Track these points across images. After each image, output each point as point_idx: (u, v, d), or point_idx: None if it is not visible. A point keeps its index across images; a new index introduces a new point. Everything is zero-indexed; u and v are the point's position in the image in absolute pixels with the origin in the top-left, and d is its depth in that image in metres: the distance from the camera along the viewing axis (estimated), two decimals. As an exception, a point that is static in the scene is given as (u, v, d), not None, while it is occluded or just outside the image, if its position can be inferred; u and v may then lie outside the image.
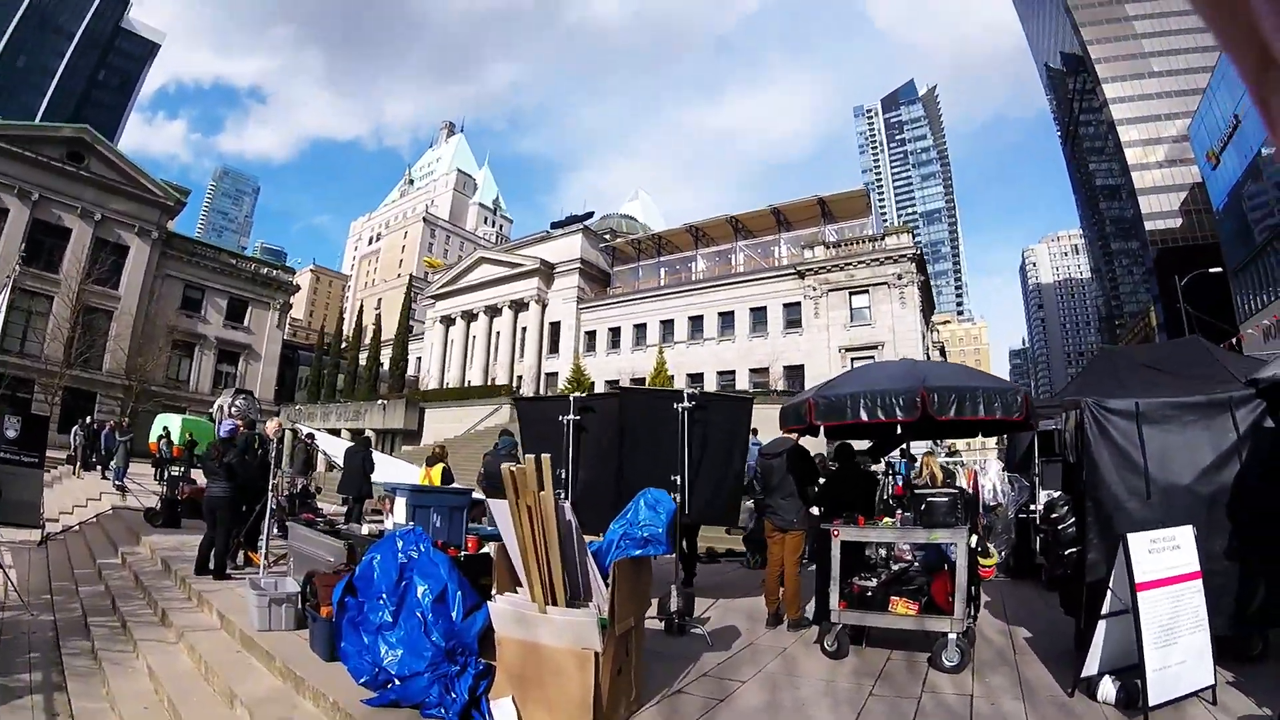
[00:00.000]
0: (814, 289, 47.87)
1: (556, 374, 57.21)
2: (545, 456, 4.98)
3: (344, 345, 71.28)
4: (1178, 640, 5.34)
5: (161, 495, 15.37)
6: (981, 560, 7.48)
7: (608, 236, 68.11)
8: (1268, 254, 51.14)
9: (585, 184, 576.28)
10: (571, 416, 8.77)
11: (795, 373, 45.79)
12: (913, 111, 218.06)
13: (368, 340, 70.58)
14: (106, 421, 27.96)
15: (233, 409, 16.58)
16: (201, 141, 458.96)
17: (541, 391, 52.99)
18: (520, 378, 57.49)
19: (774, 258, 55.19)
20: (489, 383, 58.92)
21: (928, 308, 52.39)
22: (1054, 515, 6.94)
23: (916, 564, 7.43)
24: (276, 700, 5.59)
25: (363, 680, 5.42)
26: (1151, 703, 5.07)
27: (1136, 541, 5.43)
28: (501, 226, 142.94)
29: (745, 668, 6.45)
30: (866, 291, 46.16)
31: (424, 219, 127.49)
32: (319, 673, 5.80)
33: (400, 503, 7.59)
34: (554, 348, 60.13)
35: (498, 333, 63.09)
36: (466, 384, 60.87)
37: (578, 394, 9.88)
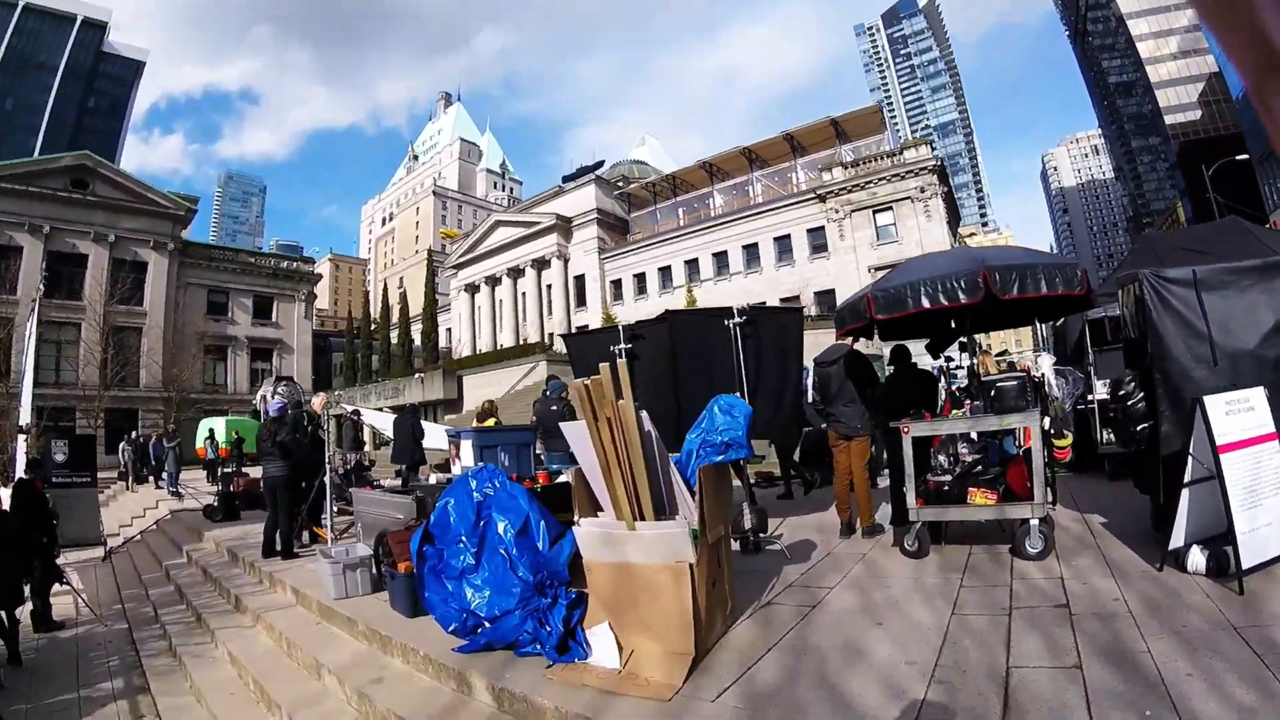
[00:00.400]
0: (837, 211, 47.50)
1: (587, 326, 56.37)
2: (620, 361, 4.65)
3: (373, 327, 71.42)
4: (1262, 502, 5.20)
5: (217, 492, 15.29)
6: (1056, 442, 7.31)
7: (620, 184, 67.55)
8: None
9: (590, 139, 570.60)
10: (623, 345, 8.40)
11: (826, 297, 45.30)
12: (915, 24, 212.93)
13: (395, 319, 70.57)
14: (152, 433, 28.11)
15: (275, 396, 16.37)
16: (201, 151, 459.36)
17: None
18: (551, 334, 57.02)
19: (792, 184, 54.42)
20: (520, 343, 58.84)
21: (953, 219, 51.75)
22: (1122, 393, 6.81)
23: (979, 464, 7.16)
24: (363, 663, 5.44)
25: (452, 628, 5.20)
26: (1245, 566, 4.89)
27: (1213, 404, 5.26)
28: (512, 189, 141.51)
29: (830, 575, 6.28)
30: (890, 208, 45.87)
31: (434, 192, 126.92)
32: (404, 629, 5.60)
33: (466, 445, 7.27)
34: (581, 301, 60.16)
35: (523, 293, 63.06)
36: (499, 348, 60.63)
37: (626, 323, 9.51)
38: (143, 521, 17.99)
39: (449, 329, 71.66)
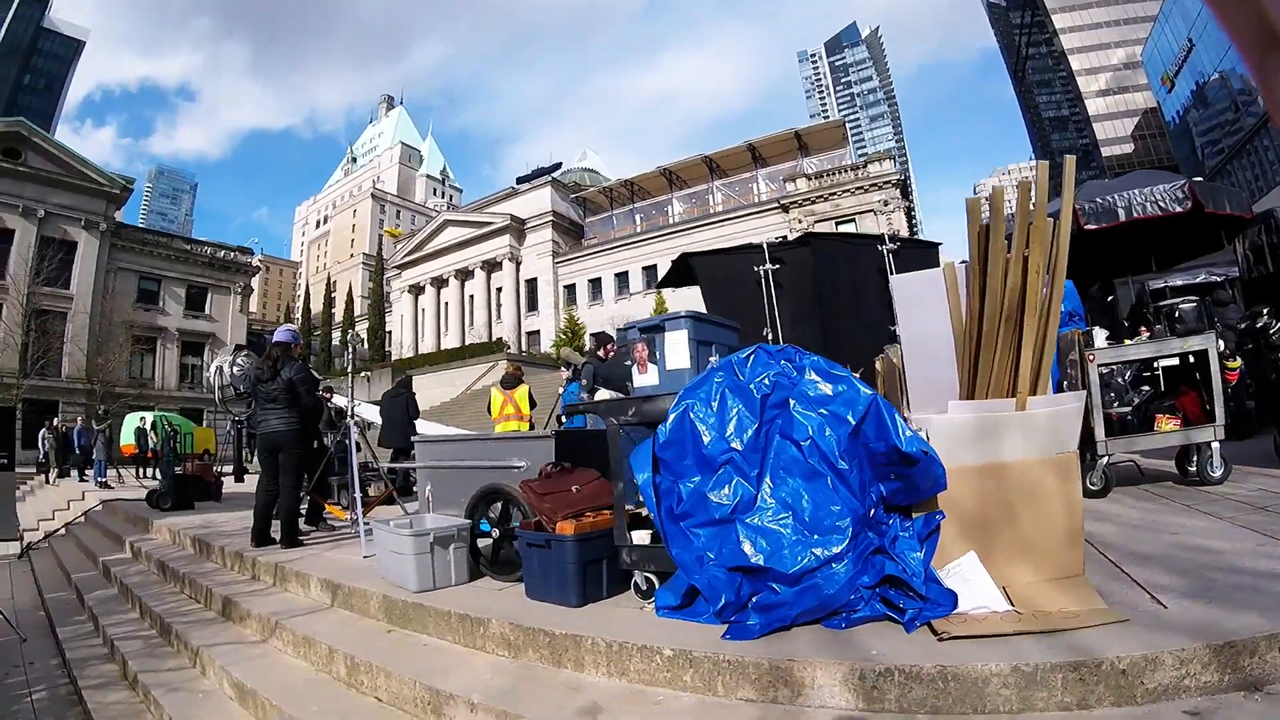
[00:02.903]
0: (799, 221, 47.35)
1: (538, 331, 56.01)
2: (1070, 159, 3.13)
3: (312, 326, 68.87)
4: None
5: (163, 478, 12.76)
6: (1226, 364, 7.26)
7: (574, 189, 66.44)
8: (1222, 175, 52.31)
9: (528, 153, 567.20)
10: (768, 266, 7.32)
11: None
12: (857, 54, 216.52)
13: (339, 318, 68.34)
14: (76, 420, 25.38)
15: (235, 368, 13.96)
16: (133, 146, 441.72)
17: (524, 351, 51.24)
18: (500, 339, 54.96)
19: (753, 194, 54.58)
20: (464, 346, 56.95)
21: (913, 232, 53.11)
22: (1260, 324, 7.21)
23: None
24: (534, 688, 3.29)
25: (720, 605, 3.30)
26: None
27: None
28: (451, 197, 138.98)
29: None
30: (853, 220, 46.05)
31: (372, 195, 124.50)
32: (588, 623, 3.60)
33: (678, 338, 4.93)
34: (532, 305, 58.90)
35: (471, 296, 61.19)
36: (439, 351, 58.59)
37: (770, 240, 8.32)
38: (68, 514, 15.09)
39: (390, 331, 69.10)
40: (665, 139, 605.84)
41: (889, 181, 46.64)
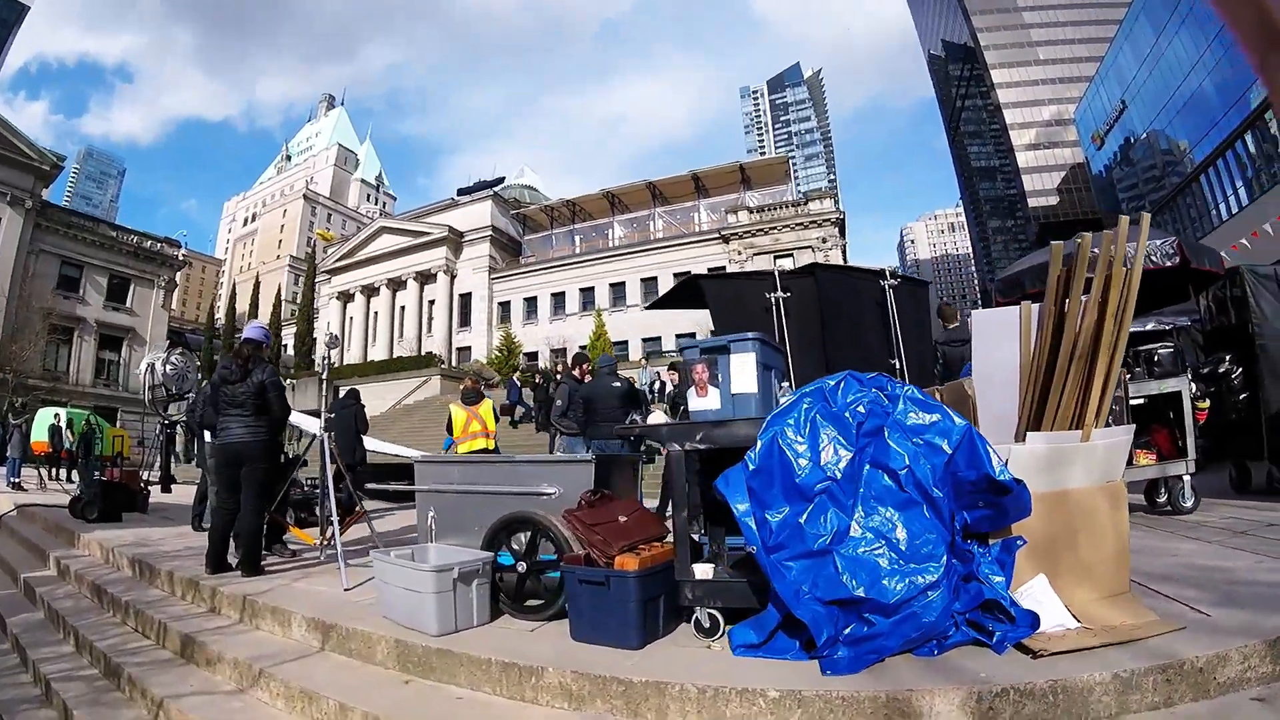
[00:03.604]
0: (739, 253, 48.51)
1: (469, 347, 55.39)
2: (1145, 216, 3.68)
3: (237, 326, 66.65)
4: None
5: (83, 484, 11.81)
6: (1197, 404, 7.59)
7: (514, 205, 65.59)
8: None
9: (467, 166, 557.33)
10: (779, 294, 7.15)
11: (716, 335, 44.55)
12: (798, 94, 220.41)
13: (267, 320, 66.10)
14: (-12, 412, 24.00)
15: (168, 367, 13.25)
16: (64, 124, 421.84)
17: (452, 364, 50.39)
18: (431, 353, 53.96)
19: (694, 223, 54.98)
20: (391, 358, 55.69)
21: None
22: (1222, 370, 7.95)
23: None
24: None
25: (823, 640, 3.17)
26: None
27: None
28: (385, 204, 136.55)
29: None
30: (791, 255, 46.75)
31: (304, 196, 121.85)
32: (660, 666, 3.36)
33: (745, 361, 4.48)
34: (465, 320, 57.86)
35: (402, 307, 59.87)
36: (367, 361, 57.15)
37: (779, 269, 8.17)
38: None
39: (316, 338, 67.36)
40: (605, 163, 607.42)
41: (828, 220, 47.49)
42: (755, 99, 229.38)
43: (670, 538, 4.12)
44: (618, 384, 9.29)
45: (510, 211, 61.74)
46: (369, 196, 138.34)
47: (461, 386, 10.92)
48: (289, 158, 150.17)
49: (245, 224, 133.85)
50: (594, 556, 3.94)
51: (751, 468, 3.57)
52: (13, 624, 6.39)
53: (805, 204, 49.46)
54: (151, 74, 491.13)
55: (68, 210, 48.12)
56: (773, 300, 7.38)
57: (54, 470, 20.46)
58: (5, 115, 39.90)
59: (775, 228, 48.03)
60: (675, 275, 49.39)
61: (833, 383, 3.72)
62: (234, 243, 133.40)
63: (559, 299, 55.26)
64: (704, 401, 4.40)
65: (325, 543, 6.58)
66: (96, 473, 11.41)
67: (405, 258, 59.82)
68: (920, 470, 3.42)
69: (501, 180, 71.06)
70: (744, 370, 4.38)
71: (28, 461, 19.30)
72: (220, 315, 69.53)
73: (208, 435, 8.75)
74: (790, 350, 7.12)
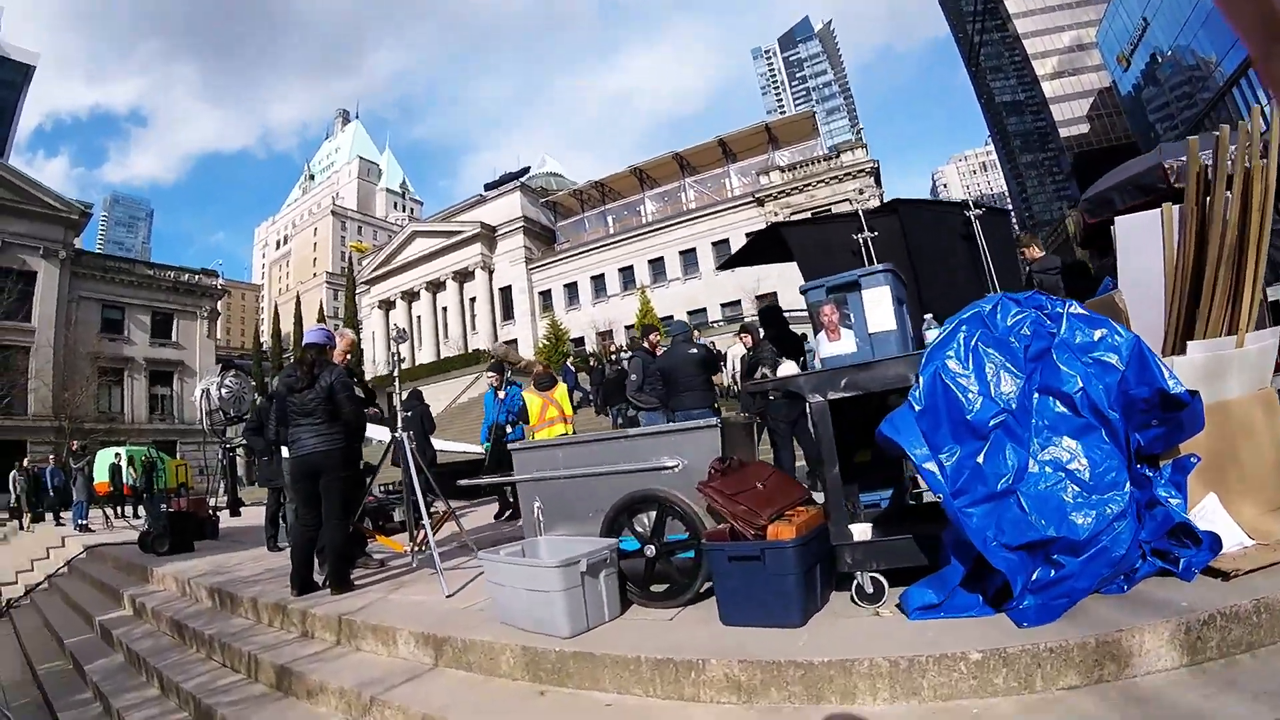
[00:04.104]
0: (776, 214, 46.86)
1: (515, 340, 54.91)
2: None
3: (284, 349, 67.16)
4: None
5: (152, 517, 11.39)
6: None
7: (542, 193, 65.02)
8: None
9: (487, 162, 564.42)
10: (866, 235, 6.58)
11: (768, 300, 43.55)
12: (810, 48, 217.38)
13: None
14: (47, 459, 23.85)
15: (223, 390, 12.91)
16: (86, 175, 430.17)
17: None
18: (478, 350, 53.80)
19: (726, 189, 53.99)
20: (439, 360, 56.04)
21: None
22: None
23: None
24: None
25: (1019, 589, 2.96)
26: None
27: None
28: (412, 210, 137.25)
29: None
30: (829, 210, 44.56)
31: (332, 212, 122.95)
32: (835, 642, 3.04)
33: (878, 295, 3.96)
34: (508, 314, 57.77)
35: (444, 308, 60.02)
36: (416, 365, 56.96)
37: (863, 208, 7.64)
38: (47, 565, 13.57)
39: (363, 350, 67.55)
40: (623, 142, 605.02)
41: (863, 170, 46.27)
42: (769, 58, 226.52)
43: (813, 499, 3.86)
44: (694, 350, 8.80)
45: (540, 200, 61.29)
46: (396, 204, 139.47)
47: (533, 373, 10.53)
48: (312, 177, 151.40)
49: (278, 247, 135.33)
50: (739, 529, 3.49)
51: (918, 408, 3.24)
52: (92, 671, 6.04)
53: (837, 157, 48.19)
54: (163, 115, 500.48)
55: (101, 255, 48.66)
56: (860, 241, 6.87)
57: (119, 509, 20.28)
58: (26, 173, 40.17)
59: (809, 184, 47.02)
60: (713, 245, 49.40)
61: (989, 306, 3.41)
62: (269, 266, 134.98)
63: (599, 281, 54.89)
64: (837, 345, 3.97)
65: (416, 548, 6.04)
66: (162, 505, 10.96)
67: (441, 259, 59.74)
68: (1094, 391, 3.16)
69: (527, 170, 70.65)
70: (879, 306, 3.94)
71: (93, 504, 19.10)
72: (266, 337, 69.77)
73: (285, 451, 8.33)
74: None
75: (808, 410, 4.20)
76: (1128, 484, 3.05)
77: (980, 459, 3.15)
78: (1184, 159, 6.79)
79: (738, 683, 2.93)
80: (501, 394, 10.05)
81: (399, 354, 6.26)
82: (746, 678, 2.91)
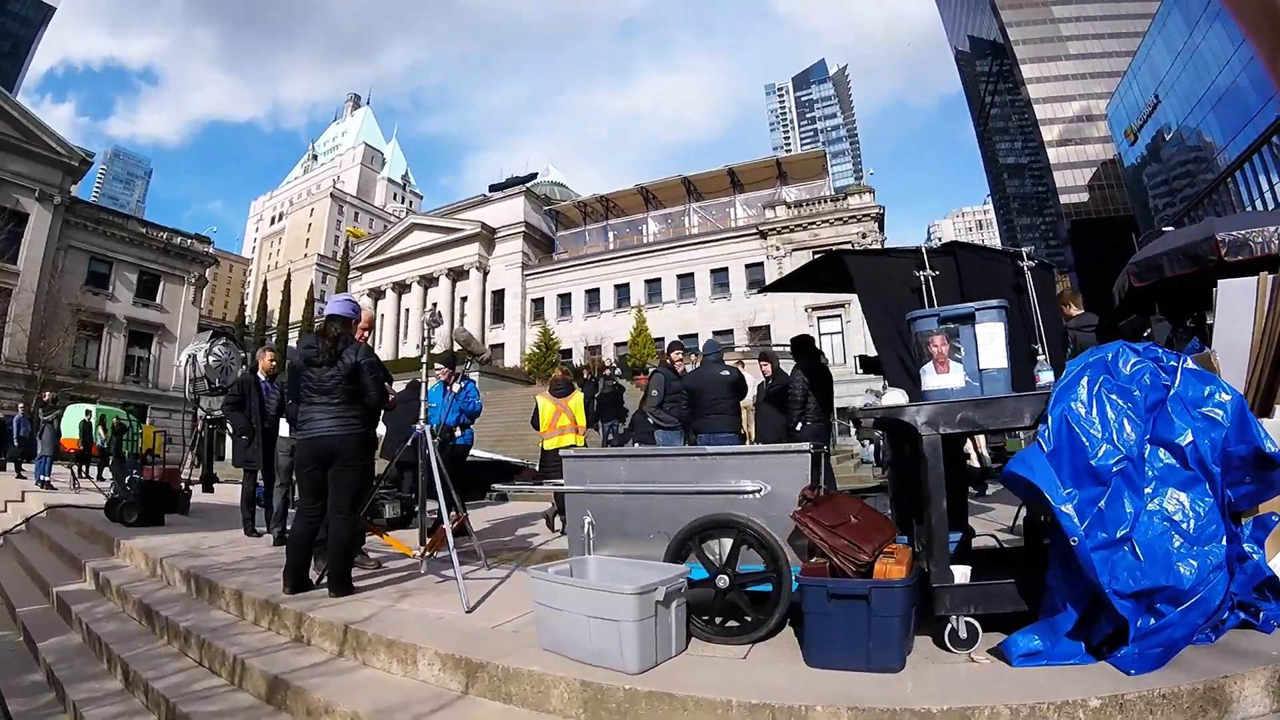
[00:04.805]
0: (777, 249, 47.56)
1: (502, 345, 54.46)
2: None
3: (267, 324, 66.32)
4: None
5: (122, 482, 10.31)
6: None
7: (545, 201, 64.37)
8: (1183, 223, 54.38)
9: (489, 164, 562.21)
10: (929, 273, 6.17)
11: (761, 333, 44.95)
12: (823, 90, 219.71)
13: (295, 318, 65.84)
14: (16, 407, 23.05)
15: (210, 358, 12.28)
16: (90, 126, 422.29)
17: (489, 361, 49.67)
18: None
19: (729, 219, 54.11)
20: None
21: None
22: None
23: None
24: None
25: (1134, 635, 2.99)
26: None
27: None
28: (411, 203, 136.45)
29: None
30: (831, 249, 44.18)
31: (331, 195, 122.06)
32: (940, 687, 2.98)
33: (992, 331, 3.65)
34: (498, 317, 57.23)
35: (434, 304, 58.75)
36: (398, 359, 55.97)
37: (923, 244, 7.35)
38: (4, 519, 12.51)
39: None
40: (628, 160, 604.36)
41: (868, 215, 46.29)
42: (780, 96, 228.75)
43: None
44: (726, 372, 8.55)
45: (542, 208, 60.90)
46: (395, 195, 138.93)
47: (551, 377, 10.06)
48: (315, 157, 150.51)
49: (272, 223, 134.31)
50: (839, 564, 3.31)
51: (1047, 449, 3.25)
52: (45, 649, 5.34)
53: (844, 199, 48.24)
54: (176, 76, 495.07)
55: (97, 206, 47.62)
56: (922, 279, 6.37)
57: (84, 468, 19.50)
58: (33, 113, 39.40)
59: (814, 223, 46.97)
60: (712, 271, 49.60)
61: (1110, 354, 3.45)
62: (260, 241, 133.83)
63: (593, 295, 54.56)
64: (945, 379, 3.84)
65: (428, 553, 5.50)
66: (134, 472, 10.25)
67: (437, 254, 59.20)
68: (1202, 445, 3.20)
69: (534, 176, 70.36)
70: (993, 342, 3.80)
71: (58, 459, 18.36)
72: (250, 312, 68.85)
73: (284, 428, 7.79)
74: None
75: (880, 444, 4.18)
76: (1224, 537, 3.12)
77: (1102, 504, 3.15)
78: (1236, 233, 6.91)
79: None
80: (456, 387, 9.22)
81: (431, 339, 5.72)
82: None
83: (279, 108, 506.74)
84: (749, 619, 3.65)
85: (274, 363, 9.00)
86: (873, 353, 6.89)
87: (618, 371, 17.86)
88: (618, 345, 48.66)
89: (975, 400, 3.60)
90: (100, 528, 9.10)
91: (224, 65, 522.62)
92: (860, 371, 8.89)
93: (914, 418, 3.57)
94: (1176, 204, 53.50)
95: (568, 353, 50.35)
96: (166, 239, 44.98)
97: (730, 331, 46.41)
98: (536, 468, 15.32)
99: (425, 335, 5.73)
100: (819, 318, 43.89)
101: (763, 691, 2.88)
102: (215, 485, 15.04)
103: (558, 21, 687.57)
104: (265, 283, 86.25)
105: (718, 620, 3.72)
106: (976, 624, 3.33)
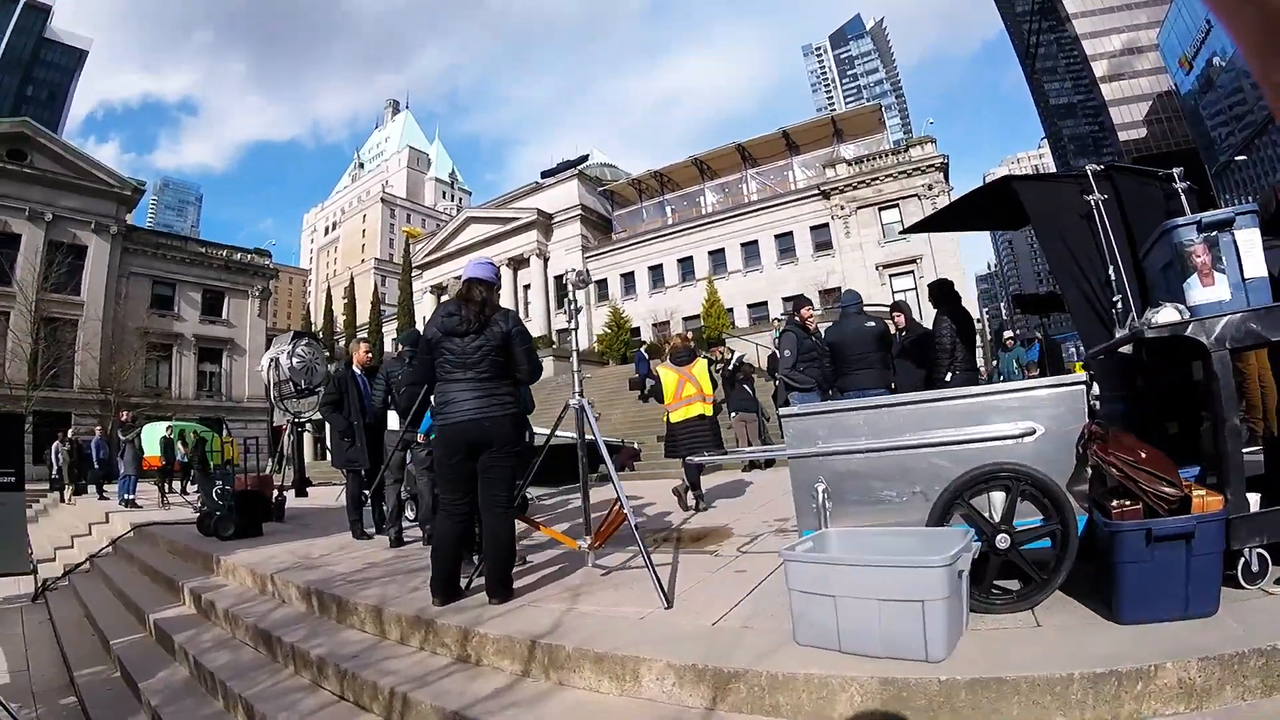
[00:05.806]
0: (842, 208, 45.80)
1: (568, 329, 53.26)
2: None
3: (335, 331, 66.92)
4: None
5: (205, 496, 9.72)
6: None
7: (598, 182, 63.76)
8: (1250, 150, 53.63)
9: (532, 157, 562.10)
10: (1098, 196, 5.56)
11: (834, 295, 42.13)
12: (862, 45, 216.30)
13: (361, 320, 66.39)
14: (93, 431, 22.91)
15: (294, 360, 11.64)
16: (136, 161, 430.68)
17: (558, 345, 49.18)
18: (535, 336, 52.68)
19: (788, 182, 52.34)
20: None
21: None
22: None
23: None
24: None
25: None
26: None
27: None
28: (460, 200, 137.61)
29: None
30: (896, 205, 44.07)
31: (382, 199, 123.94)
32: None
33: (1251, 238, 3.49)
34: (562, 302, 55.46)
35: (573, 268, 58.59)
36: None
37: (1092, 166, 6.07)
38: (90, 542, 12.33)
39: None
40: (670, 141, 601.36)
41: (932, 165, 44.27)
42: (819, 56, 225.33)
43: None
44: (872, 324, 8.06)
45: (596, 189, 60.11)
46: (444, 194, 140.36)
47: (669, 345, 9.49)
48: (361, 165, 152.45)
49: (326, 233, 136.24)
50: (1152, 504, 2.94)
51: None
52: (148, 688, 4.71)
53: (906, 150, 46.14)
54: (214, 105, 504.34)
55: (153, 231, 49.09)
56: (1092, 204, 5.74)
57: (166, 485, 19.15)
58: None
59: (877, 178, 45.08)
60: (776, 236, 48.39)
61: None
62: (317, 252, 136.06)
63: (656, 272, 53.61)
64: (1211, 292, 3.52)
65: (596, 544, 4.71)
66: (221, 483, 9.51)
67: (496, 245, 58.65)
68: None
69: (585, 158, 69.68)
70: (1253, 250, 3.49)
71: (143, 477, 18.03)
72: (316, 319, 69.64)
73: (392, 421, 7.11)
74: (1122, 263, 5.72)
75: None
76: None
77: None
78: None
79: (1191, 687, 2.45)
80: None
81: (576, 301, 4.88)
82: (1202, 679, 2.46)
83: (319, 123, 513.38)
84: (1032, 581, 3.23)
85: (369, 355, 8.40)
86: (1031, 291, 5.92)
87: (742, 356, 16.39)
88: (686, 320, 47.51)
89: (1258, 310, 3.27)
90: (194, 544, 8.55)
91: (259, 89, 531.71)
92: (1018, 312, 7.94)
93: (1202, 333, 3.28)
94: (1239, 130, 51.22)
95: (636, 331, 49.73)
96: (226, 256, 45.75)
97: (800, 295, 44.99)
98: (635, 446, 14.41)
99: (571, 298, 5.16)
100: (890, 275, 42.65)
101: (1094, 659, 2.51)
102: (308, 489, 14.52)
103: (587, 8, 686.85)
104: (329, 288, 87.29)
105: (990, 586, 3.28)
106: (1267, 555, 3.16)
